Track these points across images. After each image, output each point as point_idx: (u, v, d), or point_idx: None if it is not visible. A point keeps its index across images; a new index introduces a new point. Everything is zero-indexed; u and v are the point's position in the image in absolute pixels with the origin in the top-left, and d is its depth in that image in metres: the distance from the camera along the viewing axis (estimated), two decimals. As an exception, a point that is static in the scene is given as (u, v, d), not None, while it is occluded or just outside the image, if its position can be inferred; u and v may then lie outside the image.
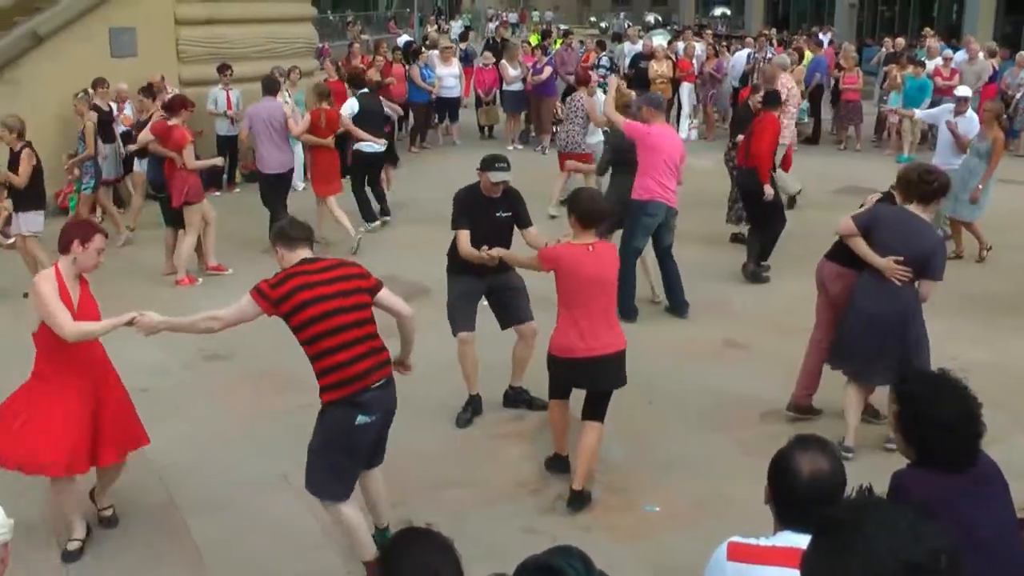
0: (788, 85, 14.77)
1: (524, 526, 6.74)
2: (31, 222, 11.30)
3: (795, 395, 8.37)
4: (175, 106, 12.30)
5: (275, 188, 13.62)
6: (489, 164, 8.01)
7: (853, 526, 2.33)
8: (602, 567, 2.71)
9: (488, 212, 8.07)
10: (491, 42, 26.68)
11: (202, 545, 6.57)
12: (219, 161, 12.89)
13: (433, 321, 9.97)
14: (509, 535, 6.56)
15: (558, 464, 7.52)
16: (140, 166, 13.95)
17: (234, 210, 14.94)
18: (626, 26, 40.87)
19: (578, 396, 7.33)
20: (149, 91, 14.27)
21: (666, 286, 10.96)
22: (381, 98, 15.15)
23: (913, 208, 7.57)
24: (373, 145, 14.35)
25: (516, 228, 8.27)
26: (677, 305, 10.90)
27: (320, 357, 5.70)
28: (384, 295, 5.97)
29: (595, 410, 7.16)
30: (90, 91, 14.04)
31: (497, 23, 46.13)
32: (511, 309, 8.24)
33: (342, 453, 5.82)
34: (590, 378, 7.10)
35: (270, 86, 13.96)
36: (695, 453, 7.79)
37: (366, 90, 14.90)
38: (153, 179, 13.09)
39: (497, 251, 7.85)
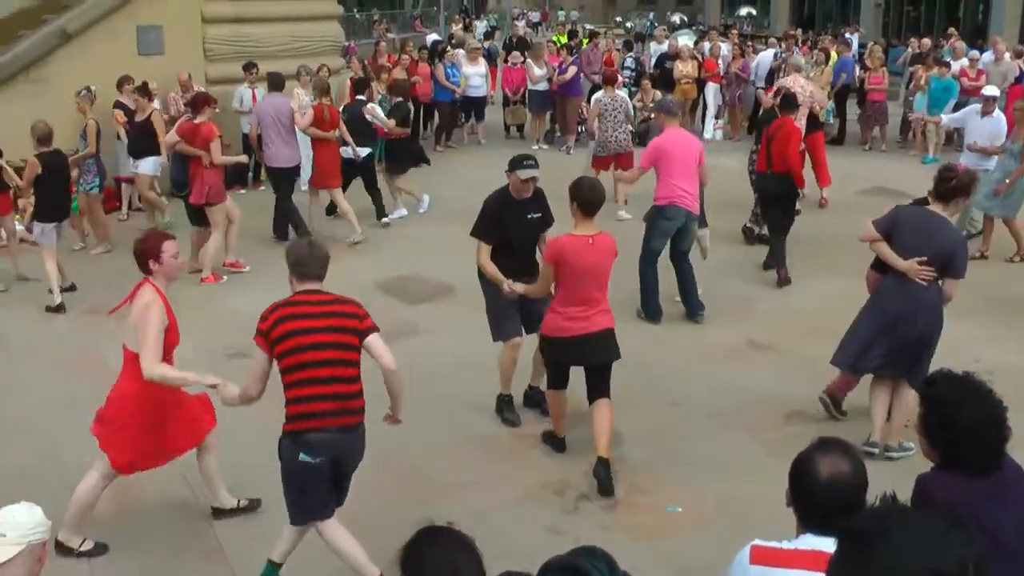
0: (800, 86, 14.70)
1: (548, 526, 6.75)
2: (37, 231, 11.51)
3: (833, 386, 8.35)
4: (199, 104, 12.39)
5: (283, 182, 13.92)
6: (517, 163, 8.05)
7: (879, 535, 2.31)
8: (625, 567, 2.72)
9: (519, 215, 8.09)
10: (509, 41, 26.71)
11: (226, 544, 6.60)
12: (244, 158, 12.99)
13: (457, 320, 10.03)
14: (532, 535, 6.57)
15: (553, 441, 7.84)
16: (133, 167, 14.11)
17: (259, 208, 14.97)
18: (654, 26, 40.83)
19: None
20: (144, 91, 14.30)
21: (681, 291, 10.92)
22: (373, 107, 15.16)
23: (934, 207, 7.59)
24: (349, 151, 14.46)
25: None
26: (692, 310, 10.84)
27: (287, 387, 5.71)
28: (372, 341, 5.77)
29: (599, 388, 7.52)
30: (92, 88, 13.97)
31: (523, 22, 46.16)
32: (535, 315, 8.23)
33: (292, 484, 5.84)
34: (581, 354, 7.45)
35: (276, 82, 14.33)
36: (718, 454, 7.78)
37: (361, 97, 15.15)
38: (175, 178, 13.25)
39: (520, 287, 7.89)
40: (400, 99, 15.34)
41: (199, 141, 11.99)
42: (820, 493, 3.38)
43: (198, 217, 12.37)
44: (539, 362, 8.47)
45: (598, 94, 16.31)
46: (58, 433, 8.01)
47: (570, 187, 7.39)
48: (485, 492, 7.20)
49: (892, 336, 7.63)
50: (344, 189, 14.46)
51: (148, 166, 14.16)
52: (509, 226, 8.07)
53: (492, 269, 8.06)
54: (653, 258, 10.66)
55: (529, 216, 8.09)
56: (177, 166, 12.87)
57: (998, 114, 13.91)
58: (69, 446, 7.69)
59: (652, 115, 11.40)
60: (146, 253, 6.37)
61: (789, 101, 12.57)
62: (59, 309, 10.99)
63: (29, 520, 4.01)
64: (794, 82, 14.84)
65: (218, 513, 6.89)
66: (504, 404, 8.54)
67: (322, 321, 5.69)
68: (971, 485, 3.80)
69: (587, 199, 7.22)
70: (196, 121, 12.14)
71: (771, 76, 20.61)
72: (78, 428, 8.00)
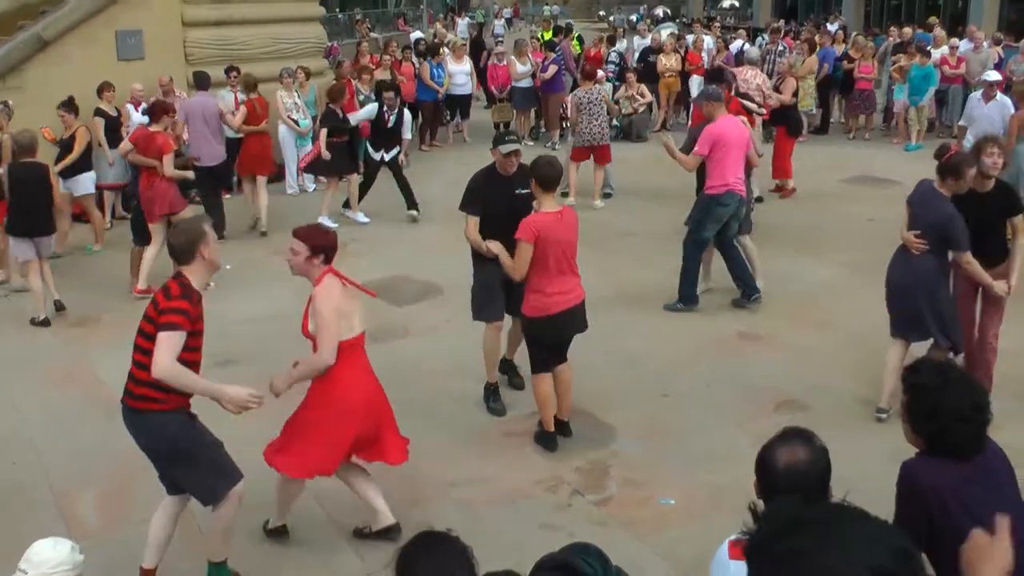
0: (743, 79, 14.73)
1: (541, 522, 6.74)
2: (12, 244, 11.41)
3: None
4: (157, 112, 12.11)
5: (208, 180, 13.92)
6: (499, 139, 8.37)
7: (807, 547, 2.16)
8: (619, 562, 2.71)
9: (507, 191, 8.17)
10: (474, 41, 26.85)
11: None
12: (190, 174, 12.56)
13: (446, 320, 10.01)
14: (526, 532, 6.56)
15: (545, 440, 7.84)
16: (64, 186, 13.35)
17: (244, 212, 14.97)
18: (630, 20, 40.81)
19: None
20: (70, 106, 13.66)
21: (735, 275, 10.91)
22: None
23: (937, 184, 7.86)
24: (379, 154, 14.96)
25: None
26: (750, 291, 10.84)
27: None
28: (159, 337, 5.57)
29: (562, 355, 7.83)
30: (9, 103, 13.54)
31: (501, 20, 46.15)
32: (518, 300, 8.26)
33: None
34: (570, 328, 7.72)
35: (202, 81, 14.58)
36: (711, 446, 7.78)
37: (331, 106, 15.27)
38: (132, 191, 13.00)
39: (495, 246, 7.90)
40: (330, 106, 15.33)
41: (152, 150, 11.65)
42: (780, 482, 3.43)
43: (145, 234, 11.77)
44: (516, 339, 8.65)
45: (577, 90, 16.35)
46: (46, 447, 7.97)
47: (531, 165, 7.60)
48: (477, 490, 7.19)
49: (896, 305, 8.06)
50: (368, 187, 15.17)
51: (81, 184, 13.72)
52: (496, 201, 8.15)
53: (475, 236, 8.18)
54: (704, 245, 10.71)
55: (517, 191, 8.12)
56: (135, 178, 12.62)
57: (1002, 97, 14.00)
58: (58, 459, 7.68)
59: (697, 103, 11.34)
60: (196, 243, 5.92)
61: (716, 75, 13.03)
62: (44, 323, 10.83)
63: (54, 556, 3.97)
64: (742, 73, 14.93)
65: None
66: (490, 394, 8.60)
67: (147, 305, 5.80)
68: (955, 469, 3.86)
69: (545, 174, 7.46)
70: (152, 129, 11.84)
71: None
72: (67, 441, 8.03)
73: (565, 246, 7.45)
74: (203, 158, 13.76)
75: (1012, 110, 13.25)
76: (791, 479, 3.41)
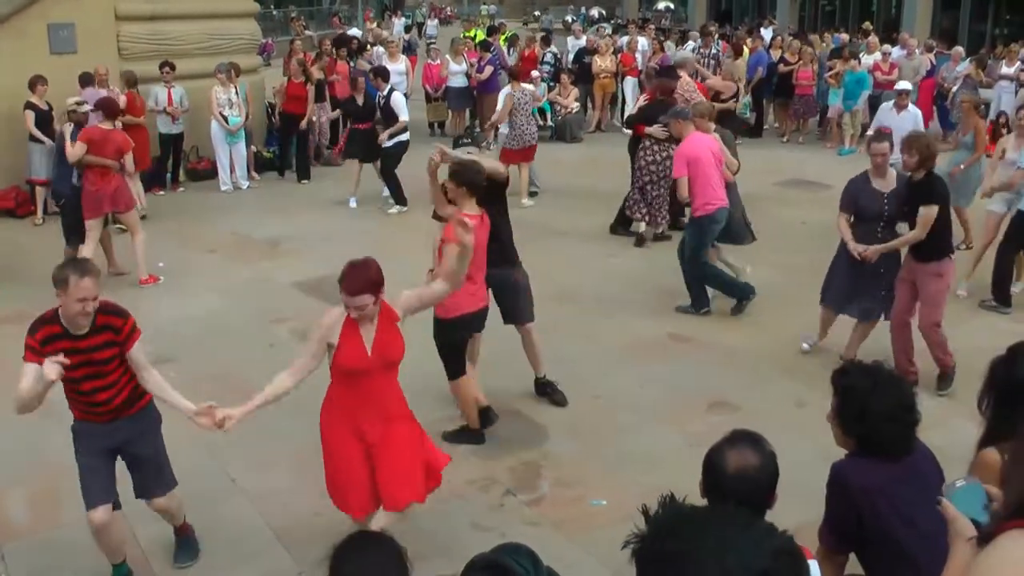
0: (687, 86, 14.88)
1: (473, 523, 6.75)
2: None
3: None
4: (113, 109, 11.95)
5: None
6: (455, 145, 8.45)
7: (690, 548, 2.18)
8: (550, 562, 2.73)
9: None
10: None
11: (150, 553, 6.50)
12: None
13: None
14: (458, 532, 6.58)
15: (471, 436, 7.95)
16: None
17: (177, 209, 14.85)
18: (553, 23, 40.93)
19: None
20: None
21: (690, 284, 10.92)
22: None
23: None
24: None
25: None
26: (699, 304, 10.82)
27: None
28: None
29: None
30: None
31: (434, 21, 46.07)
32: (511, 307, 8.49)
33: None
34: (478, 325, 7.91)
35: (87, 80, 14.67)
36: (642, 446, 7.82)
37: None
38: (59, 188, 12.50)
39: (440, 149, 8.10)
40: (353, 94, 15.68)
41: (111, 149, 11.45)
42: (727, 484, 3.43)
43: (78, 233, 11.52)
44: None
45: (507, 88, 16.32)
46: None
47: (454, 170, 7.56)
48: (410, 490, 7.17)
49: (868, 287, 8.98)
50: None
51: None
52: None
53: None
54: (704, 260, 10.69)
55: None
56: (63, 175, 12.00)
57: (913, 108, 14.25)
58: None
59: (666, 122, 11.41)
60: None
61: (667, 71, 13.70)
62: None
63: None
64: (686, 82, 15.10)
65: None
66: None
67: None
68: (885, 470, 3.90)
69: (472, 181, 7.49)
70: (105, 127, 11.65)
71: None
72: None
73: (481, 249, 7.44)
74: None
75: (922, 122, 13.54)
76: (738, 483, 3.41)
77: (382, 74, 15.91)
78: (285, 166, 18.06)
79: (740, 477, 3.43)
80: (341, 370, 5.82)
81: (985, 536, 2.82)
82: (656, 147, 12.93)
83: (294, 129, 17.64)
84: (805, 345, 9.39)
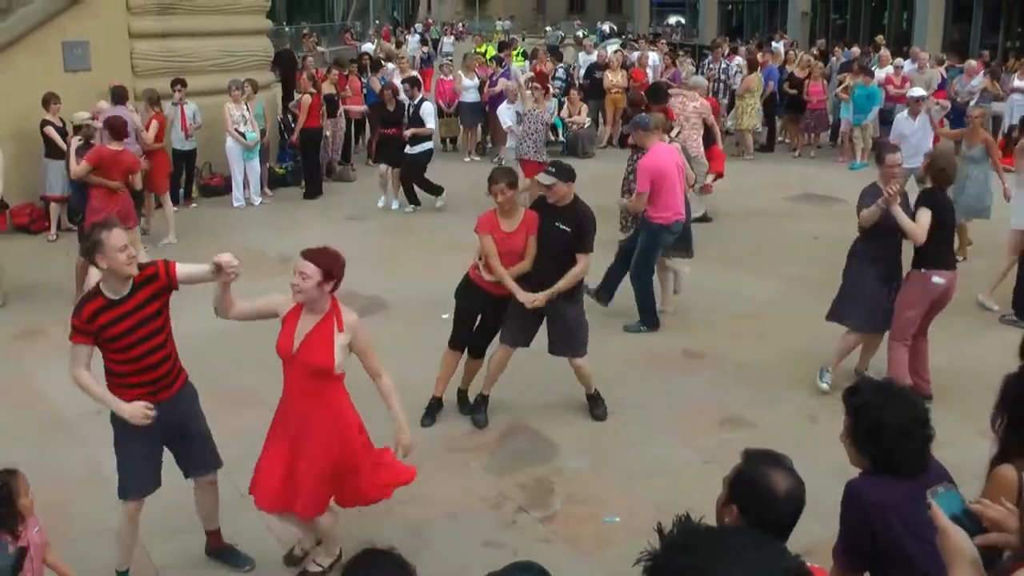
0: (680, 101, 14.92)
1: (485, 540, 6.73)
2: None
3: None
4: (121, 130, 11.89)
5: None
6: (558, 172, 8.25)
7: (703, 568, 2.20)
8: (562, 581, 2.72)
9: (547, 221, 8.17)
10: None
11: (161, 569, 6.51)
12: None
13: (391, 336, 9.98)
14: (470, 549, 6.55)
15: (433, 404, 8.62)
16: None
17: (190, 225, 14.87)
18: (564, 38, 40.94)
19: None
20: None
21: (608, 278, 11.09)
22: None
23: None
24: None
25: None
26: (608, 294, 11.07)
27: None
28: None
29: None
30: None
31: (450, 38, 46.16)
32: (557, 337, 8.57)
33: None
34: (483, 305, 8.37)
35: (119, 96, 14.59)
36: (655, 462, 7.81)
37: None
38: (76, 205, 12.68)
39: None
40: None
41: (119, 170, 11.44)
42: (778, 508, 3.35)
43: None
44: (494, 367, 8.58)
45: (502, 107, 16.62)
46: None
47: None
48: (421, 508, 7.14)
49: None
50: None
51: None
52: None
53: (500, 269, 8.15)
54: (651, 271, 10.78)
55: (556, 225, 8.12)
56: (79, 191, 12.18)
57: (923, 116, 14.35)
58: None
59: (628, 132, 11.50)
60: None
61: (654, 92, 14.08)
62: None
63: None
64: (678, 97, 15.13)
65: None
66: (474, 406, 8.65)
67: None
68: (900, 488, 3.86)
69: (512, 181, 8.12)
70: (114, 148, 11.58)
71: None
72: (3, 456, 7.90)
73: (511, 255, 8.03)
74: None
75: (929, 129, 13.79)
76: (788, 505, 3.36)
77: (416, 84, 16.38)
78: (310, 182, 17.97)
79: (789, 499, 3.37)
80: (278, 353, 5.99)
81: (1000, 573, 2.80)
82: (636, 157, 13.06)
83: (317, 144, 17.71)
84: (824, 386, 9.01)
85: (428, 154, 15.93)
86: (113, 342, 5.64)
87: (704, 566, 2.18)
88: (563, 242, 8.07)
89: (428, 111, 15.86)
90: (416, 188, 16.13)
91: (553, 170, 8.14)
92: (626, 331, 10.65)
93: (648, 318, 10.76)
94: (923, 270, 8.44)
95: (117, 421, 5.89)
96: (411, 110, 15.83)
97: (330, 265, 5.90)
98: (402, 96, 16.56)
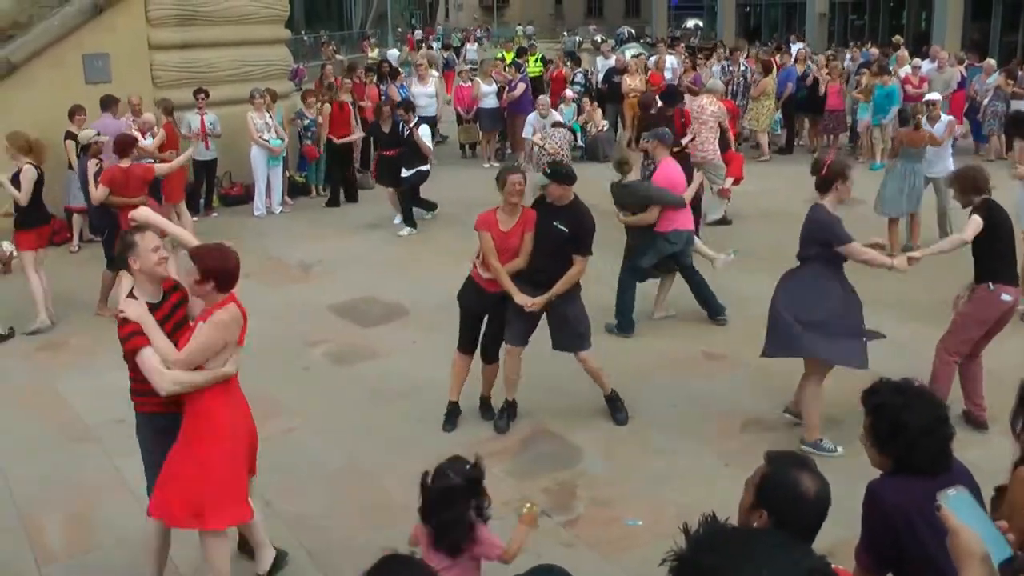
0: (699, 106, 14.93)
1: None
2: None
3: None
4: (127, 147, 11.85)
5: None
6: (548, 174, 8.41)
7: (728, 566, 2.21)
8: (585, 584, 2.73)
9: (545, 219, 8.23)
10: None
11: (186, 574, 6.55)
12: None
13: (414, 342, 10.00)
14: (493, 553, 6.56)
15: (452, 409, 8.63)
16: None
17: (211, 234, 14.91)
18: (581, 43, 40.89)
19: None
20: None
21: (700, 298, 11.14)
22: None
23: (819, 199, 8.04)
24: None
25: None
26: (715, 312, 11.10)
27: None
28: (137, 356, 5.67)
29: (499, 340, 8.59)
30: None
31: (475, 46, 46.18)
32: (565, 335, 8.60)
33: None
34: (477, 302, 8.42)
35: (109, 104, 14.73)
36: (677, 465, 7.81)
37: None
38: (95, 221, 12.84)
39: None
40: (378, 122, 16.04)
41: (133, 187, 11.44)
42: (810, 510, 3.36)
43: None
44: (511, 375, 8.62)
45: (531, 116, 16.58)
46: (12, 471, 7.90)
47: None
48: (446, 512, 7.17)
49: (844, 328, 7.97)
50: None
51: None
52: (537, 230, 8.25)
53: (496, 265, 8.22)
54: (639, 274, 10.84)
55: (554, 224, 8.18)
56: (96, 208, 12.02)
57: (944, 116, 14.23)
58: (23, 484, 7.64)
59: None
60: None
61: (669, 94, 14.60)
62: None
63: None
64: (699, 100, 15.26)
65: None
66: (499, 412, 8.65)
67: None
68: (921, 488, 3.84)
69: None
70: (123, 165, 11.56)
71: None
72: (32, 466, 7.97)
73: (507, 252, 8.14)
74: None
75: (954, 127, 13.73)
76: (818, 507, 3.37)
77: (410, 108, 16.10)
78: (336, 193, 18.04)
79: (818, 501, 3.38)
80: None
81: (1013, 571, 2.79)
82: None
83: (344, 154, 17.79)
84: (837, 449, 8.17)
85: (423, 176, 15.51)
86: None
87: (729, 565, 2.19)
88: (560, 241, 8.14)
89: (425, 134, 15.56)
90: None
91: (548, 171, 8.34)
92: (605, 331, 10.68)
93: (621, 320, 10.79)
94: (992, 286, 8.00)
95: (146, 430, 5.93)
96: (405, 133, 15.41)
97: (207, 262, 5.76)
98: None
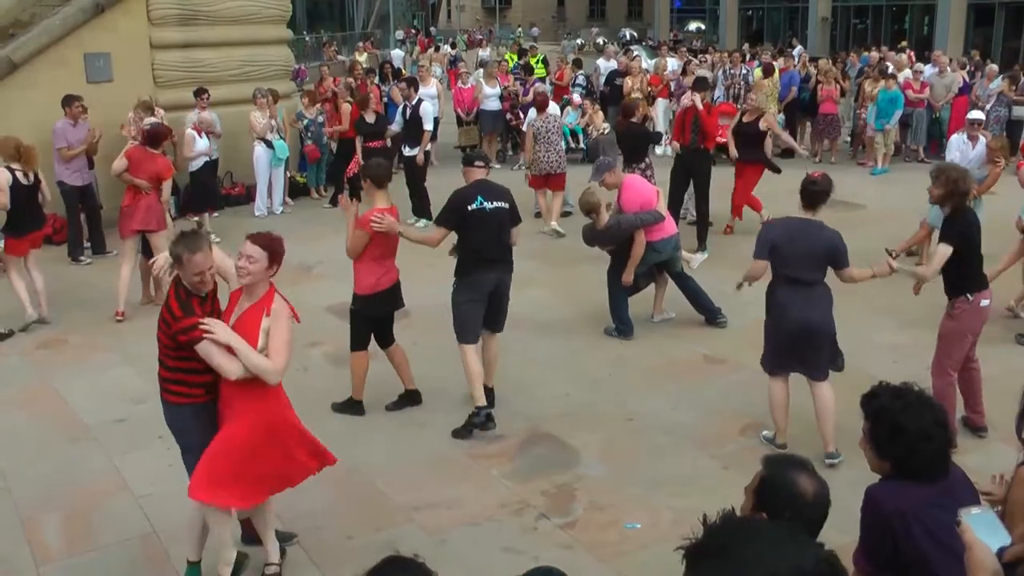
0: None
1: (505, 546, 6.73)
2: None
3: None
4: (162, 136, 12.07)
5: (76, 199, 14.31)
6: (468, 160, 8.92)
7: (739, 546, 2.34)
8: (583, 586, 2.74)
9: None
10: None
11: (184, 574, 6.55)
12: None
13: (415, 343, 10.00)
14: (491, 556, 6.56)
15: (354, 407, 8.88)
16: None
17: (213, 234, 14.92)
18: (583, 46, 40.92)
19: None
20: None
21: (696, 303, 11.14)
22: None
23: (805, 214, 8.16)
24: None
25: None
26: (713, 316, 11.11)
27: None
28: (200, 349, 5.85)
29: (391, 334, 9.00)
30: None
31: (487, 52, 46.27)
32: (499, 315, 8.77)
33: None
34: (393, 302, 8.78)
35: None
36: (676, 469, 7.81)
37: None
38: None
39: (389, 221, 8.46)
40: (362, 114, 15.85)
41: (149, 172, 11.55)
42: (809, 512, 3.38)
43: (147, 247, 11.70)
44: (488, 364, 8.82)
45: (531, 117, 16.54)
46: (11, 471, 7.91)
47: (362, 168, 9.03)
48: (443, 514, 7.18)
49: (802, 344, 8.00)
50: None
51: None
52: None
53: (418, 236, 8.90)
54: (631, 289, 10.81)
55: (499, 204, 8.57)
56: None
57: (982, 137, 13.50)
58: (22, 483, 7.64)
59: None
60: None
61: (700, 83, 14.57)
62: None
63: None
64: (686, 96, 15.15)
65: None
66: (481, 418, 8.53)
67: None
68: (919, 493, 3.85)
69: (375, 174, 8.62)
70: (152, 151, 11.76)
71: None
72: (31, 465, 7.97)
73: (393, 236, 8.47)
74: (71, 178, 14.07)
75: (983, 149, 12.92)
76: (819, 509, 3.40)
77: (413, 84, 16.54)
78: (338, 192, 17.90)
79: (817, 501, 3.41)
80: None
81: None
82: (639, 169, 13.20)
83: (352, 154, 17.78)
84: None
85: (426, 156, 15.71)
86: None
87: (741, 539, 2.34)
88: (504, 219, 8.60)
89: (427, 112, 15.78)
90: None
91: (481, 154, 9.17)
92: (605, 333, 10.75)
93: (619, 323, 10.80)
94: (970, 297, 7.94)
95: (192, 415, 6.04)
96: (408, 112, 15.73)
97: (276, 248, 6.04)
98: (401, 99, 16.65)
